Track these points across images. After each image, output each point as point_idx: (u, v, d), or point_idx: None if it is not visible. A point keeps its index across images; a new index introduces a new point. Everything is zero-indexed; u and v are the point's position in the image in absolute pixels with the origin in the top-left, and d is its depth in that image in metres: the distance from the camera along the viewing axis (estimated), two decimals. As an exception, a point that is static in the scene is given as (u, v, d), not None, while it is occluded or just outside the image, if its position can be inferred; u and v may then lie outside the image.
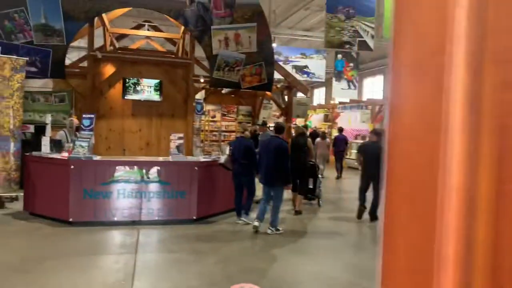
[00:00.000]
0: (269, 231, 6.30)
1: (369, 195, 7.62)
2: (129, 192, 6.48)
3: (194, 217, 6.74)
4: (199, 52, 9.85)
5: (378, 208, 7.61)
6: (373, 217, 7.52)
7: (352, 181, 13.25)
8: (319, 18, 17.68)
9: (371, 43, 12.02)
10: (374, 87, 22.82)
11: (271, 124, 11.60)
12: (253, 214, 6.90)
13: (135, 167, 6.52)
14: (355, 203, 9.02)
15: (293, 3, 15.74)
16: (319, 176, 8.76)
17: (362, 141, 16.69)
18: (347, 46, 12.04)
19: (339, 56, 15.84)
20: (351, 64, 16.00)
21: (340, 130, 14.47)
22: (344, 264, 5.17)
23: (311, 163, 8.25)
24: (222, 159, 6.99)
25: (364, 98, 20.62)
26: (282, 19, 16.45)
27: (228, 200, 7.16)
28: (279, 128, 6.56)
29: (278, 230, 6.36)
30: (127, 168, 6.48)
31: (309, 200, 8.74)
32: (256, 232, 6.29)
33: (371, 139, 7.88)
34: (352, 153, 16.79)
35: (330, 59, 17.95)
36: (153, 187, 6.58)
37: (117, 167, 6.44)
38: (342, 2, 11.66)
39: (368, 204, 7.63)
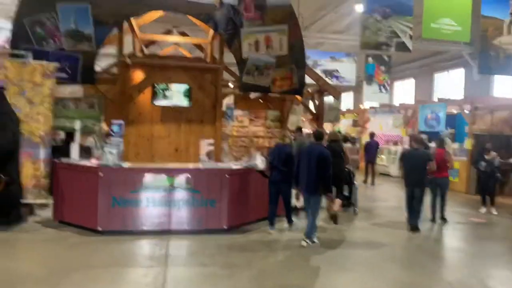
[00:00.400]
0: (304, 243, 5.94)
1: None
2: (158, 201, 6.26)
3: (225, 227, 6.46)
4: (227, 58, 9.62)
5: (419, 218, 7.14)
6: (414, 227, 7.06)
7: (383, 188, 12.74)
8: (347, 22, 17.23)
9: (409, 43, 11.40)
10: (405, 91, 22.09)
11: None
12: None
13: (165, 174, 6.30)
14: (391, 211, 8.59)
15: (322, 7, 15.37)
16: (355, 182, 8.35)
17: (394, 147, 16.12)
18: (384, 47, 11.49)
19: (370, 59, 15.33)
20: (382, 68, 15.48)
21: (372, 135, 13.97)
22: (392, 281, 4.72)
23: (346, 169, 7.87)
24: (260, 165, 6.73)
25: (395, 102, 19.95)
26: (310, 23, 16.08)
27: (260, 209, 6.85)
28: (319, 135, 6.26)
29: (313, 242, 6.00)
30: (157, 175, 6.27)
31: (344, 207, 8.35)
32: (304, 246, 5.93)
33: (412, 146, 7.47)
34: (383, 159, 16.20)
35: (360, 62, 17.44)
36: (183, 195, 6.34)
37: (146, 175, 6.24)
38: (379, 1, 11.15)
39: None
